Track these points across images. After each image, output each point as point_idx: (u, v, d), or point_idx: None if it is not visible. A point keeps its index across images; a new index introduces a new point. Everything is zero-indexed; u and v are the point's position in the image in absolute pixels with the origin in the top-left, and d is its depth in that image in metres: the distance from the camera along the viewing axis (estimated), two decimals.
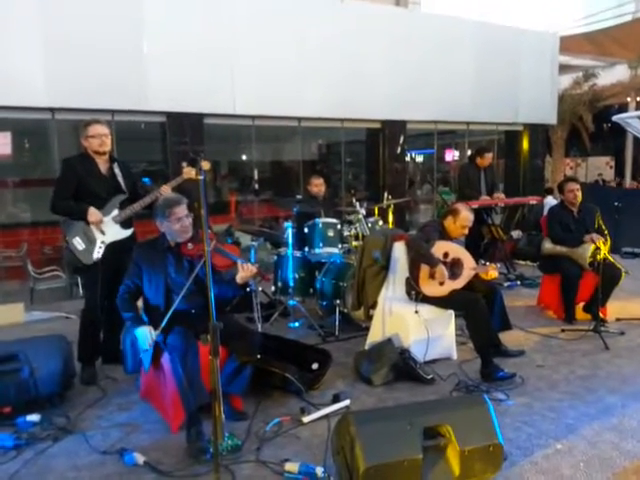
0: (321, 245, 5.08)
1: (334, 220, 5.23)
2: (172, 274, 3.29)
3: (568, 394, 3.54)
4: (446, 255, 4.06)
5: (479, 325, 3.89)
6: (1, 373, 3.27)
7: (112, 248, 3.83)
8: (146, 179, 4.44)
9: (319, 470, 2.58)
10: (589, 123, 13.82)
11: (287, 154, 11.04)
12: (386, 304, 4.27)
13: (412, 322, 3.99)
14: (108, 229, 3.83)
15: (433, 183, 10.41)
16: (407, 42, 9.01)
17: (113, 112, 6.76)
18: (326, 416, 3.22)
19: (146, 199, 3.85)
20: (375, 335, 4.29)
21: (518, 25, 10.88)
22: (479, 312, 3.89)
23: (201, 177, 2.48)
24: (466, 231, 4.26)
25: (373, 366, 3.76)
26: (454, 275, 4.05)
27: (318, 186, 5.66)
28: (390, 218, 6.43)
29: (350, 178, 10.71)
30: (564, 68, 12.55)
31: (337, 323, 4.82)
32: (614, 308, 5.16)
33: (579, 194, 5.16)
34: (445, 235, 4.21)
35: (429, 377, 3.75)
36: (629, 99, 14.46)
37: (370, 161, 9.83)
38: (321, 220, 5.14)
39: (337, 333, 4.77)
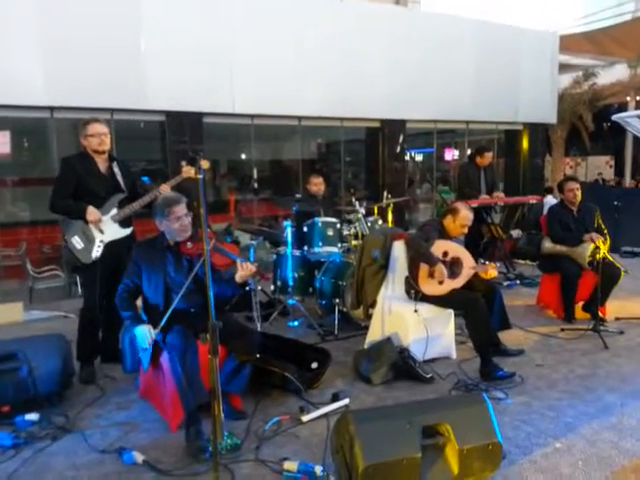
0: (320, 244, 5.07)
1: (333, 219, 5.22)
2: (171, 273, 3.29)
3: (567, 393, 3.54)
4: (445, 254, 4.06)
5: (478, 324, 3.89)
6: (0, 372, 3.26)
7: (111, 247, 3.83)
8: (145, 178, 4.44)
9: (318, 469, 2.58)
10: (589, 122, 13.83)
11: (286, 153, 11.05)
12: (385, 303, 4.27)
13: (411, 321, 3.99)
14: (107, 228, 3.82)
15: (433, 182, 10.41)
16: (407, 41, 9.01)
17: (112, 111, 6.76)
18: (325, 415, 3.22)
19: (145, 198, 3.85)
20: (374, 334, 4.28)
21: (518, 24, 10.89)
22: (478, 311, 3.89)
23: (200, 176, 2.48)
24: (465, 230, 4.26)
25: (372, 365, 3.76)
26: (453, 274, 4.04)
27: (317, 185, 5.66)
28: (389, 217, 6.42)
29: (349, 177, 10.72)
30: (564, 67, 12.56)
31: (336, 322, 4.82)
32: (613, 307, 5.16)
33: (579, 193, 5.16)
34: (444, 234, 4.21)
35: (428, 376, 3.75)
36: (629, 98, 14.47)
37: (370, 160, 9.83)
38: (320, 219, 5.14)
39: (336, 332, 4.77)
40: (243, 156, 10.57)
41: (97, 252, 3.79)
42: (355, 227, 5.58)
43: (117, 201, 3.87)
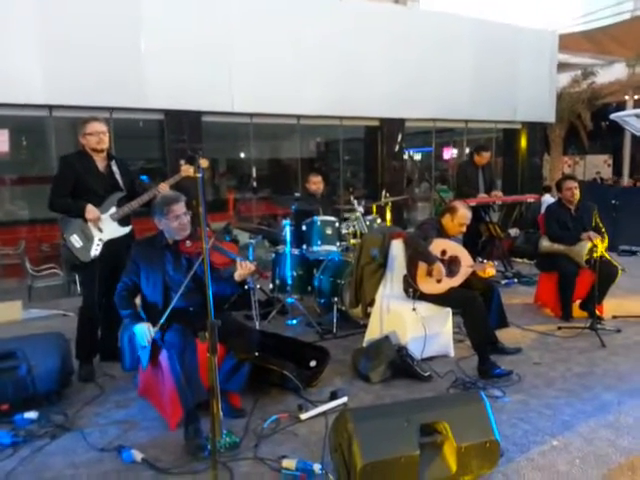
0: (319, 243, 5.08)
1: (332, 218, 5.23)
2: (170, 272, 3.29)
3: (564, 391, 3.56)
4: (444, 253, 4.07)
5: (476, 322, 3.90)
6: None
7: (110, 246, 3.83)
8: (144, 177, 4.45)
9: (316, 467, 2.59)
10: (587, 121, 13.84)
11: (285, 152, 11.05)
12: (384, 302, 4.28)
13: (409, 320, 4.00)
14: (106, 227, 3.82)
15: (431, 181, 10.42)
16: (405, 40, 9.02)
17: (111, 110, 6.76)
18: (324, 413, 3.23)
19: (144, 197, 3.85)
20: (373, 332, 4.29)
21: (517, 23, 10.91)
22: (476, 310, 3.90)
23: (199, 175, 2.49)
24: (464, 229, 4.27)
25: (371, 363, 3.77)
26: (452, 273, 4.05)
27: (317, 184, 5.67)
28: (388, 216, 6.44)
29: (348, 176, 10.72)
30: (563, 66, 12.57)
31: (335, 320, 4.83)
32: (611, 306, 5.17)
33: (577, 192, 5.17)
34: (443, 233, 4.22)
35: (426, 374, 3.76)
36: (627, 97, 14.48)
37: (368, 159, 9.84)
38: (319, 218, 5.14)
39: (335, 330, 4.78)
40: (242, 155, 10.57)
41: (96, 250, 3.79)
42: (354, 226, 5.59)
43: (116, 200, 3.87)
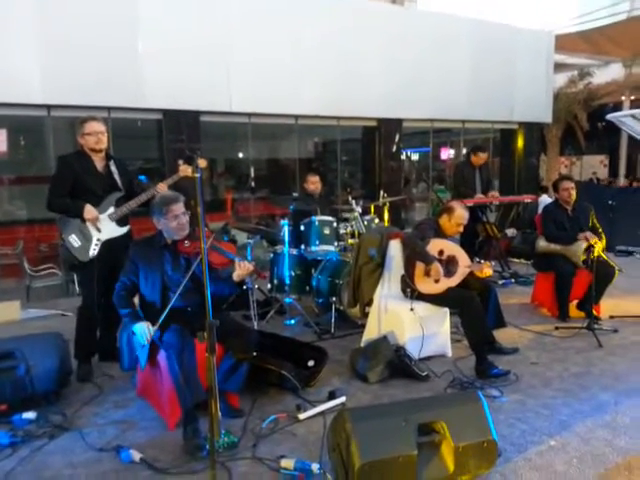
0: (317, 243, 5.09)
1: (330, 218, 5.24)
2: (169, 271, 3.30)
3: (562, 391, 3.57)
4: (441, 253, 4.08)
5: (474, 322, 3.92)
6: None
7: (108, 245, 3.83)
8: (142, 177, 4.44)
9: (315, 467, 2.59)
10: (584, 122, 13.87)
11: (283, 152, 11.05)
12: (382, 302, 4.29)
13: (407, 319, 4.01)
14: (104, 226, 3.82)
15: (429, 181, 10.43)
16: (403, 40, 9.03)
17: (109, 109, 6.75)
18: (322, 413, 3.23)
19: (142, 196, 3.85)
20: (371, 332, 4.30)
21: (514, 23, 10.93)
22: (474, 310, 3.91)
23: (197, 175, 2.49)
24: (461, 229, 4.29)
25: (369, 363, 3.78)
26: (449, 273, 4.07)
27: (315, 184, 5.68)
28: (386, 216, 6.46)
29: (346, 176, 10.73)
30: (559, 67, 12.61)
31: (333, 320, 4.83)
32: (608, 306, 5.19)
33: (573, 192, 5.18)
34: (440, 233, 4.23)
35: (424, 374, 3.77)
36: (623, 98, 14.54)
37: (366, 159, 9.85)
38: (317, 218, 5.15)
39: (333, 330, 4.79)
40: (240, 155, 10.58)
41: (94, 250, 3.79)
42: (352, 226, 5.61)
43: (114, 199, 3.87)
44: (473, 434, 2.48)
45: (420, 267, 4.03)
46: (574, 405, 3.36)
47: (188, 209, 3.34)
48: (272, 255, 5.36)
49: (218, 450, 2.75)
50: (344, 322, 4.95)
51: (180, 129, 7.28)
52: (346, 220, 5.70)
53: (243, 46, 7.54)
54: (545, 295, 5.36)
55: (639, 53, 13.32)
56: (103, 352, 4.11)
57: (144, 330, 3.05)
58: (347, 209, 5.81)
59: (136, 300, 3.37)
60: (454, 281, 4.07)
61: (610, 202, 8.36)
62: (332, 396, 3.42)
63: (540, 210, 6.70)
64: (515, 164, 11.34)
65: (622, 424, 3.12)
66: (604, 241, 4.98)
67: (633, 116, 5.76)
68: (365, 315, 4.48)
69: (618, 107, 14.15)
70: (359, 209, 5.66)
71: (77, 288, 5.88)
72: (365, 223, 5.68)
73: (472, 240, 6.88)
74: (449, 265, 4.09)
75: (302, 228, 5.16)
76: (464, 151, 10.77)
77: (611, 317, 5.07)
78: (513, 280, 6.67)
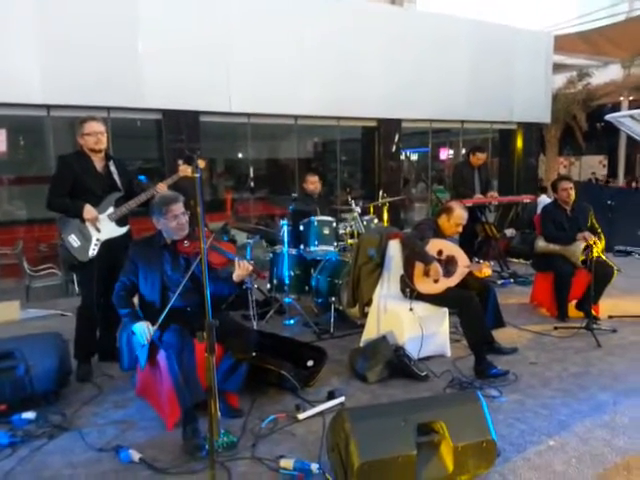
0: (316, 243, 5.10)
1: (329, 218, 5.24)
2: (168, 271, 3.30)
3: (560, 391, 3.58)
4: (440, 253, 4.09)
5: (473, 322, 3.92)
6: None
7: (107, 246, 3.83)
8: (142, 177, 4.44)
9: (314, 466, 2.60)
10: (583, 122, 13.87)
11: (283, 152, 11.06)
12: (381, 302, 4.30)
13: (406, 319, 4.01)
14: (104, 227, 3.83)
15: (428, 181, 10.44)
16: (402, 41, 9.04)
17: (109, 109, 6.75)
18: (321, 413, 3.24)
19: (142, 196, 3.85)
20: (370, 332, 4.31)
21: (513, 24, 10.93)
22: (473, 309, 3.92)
23: (197, 175, 2.49)
24: (460, 229, 4.29)
25: (368, 363, 3.79)
26: (448, 273, 4.07)
27: (314, 184, 5.69)
28: (385, 216, 6.47)
29: (345, 176, 10.74)
30: (558, 67, 12.61)
31: (332, 320, 4.84)
32: (606, 306, 5.19)
33: (572, 193, 5.19)
34: (439, 233, 4.23)
35: (423, 374, 3.77)
36: (622, 98, 14.54)
37: (365, 159, 9.86)
38: (317, 218, 5.16)
39: (332, 330, 4.79)
40: (240, 155, 10.59)
41: (94, 250, 3.79)
42: (351, 226, 5.62)
43: (114, 200, 3.88)
44: (472, 434, 2.48)
45: (419, 267, 4.04)
46: (573, 405, 3.37)
47: (188, 209, 3.35)
48: (271, 255, 5.37)
49: (217, 450, 2.76)
50: (343, 322, 4.95)
51: (180, 129, 7.28)
52: (345, 220, 5.71)
53: (243, 46, 7.55)
54: (544, 295, 5.37)
55: (638, 54, 13.34)
56: (103, 352, 4.11)
57: (144, 330, 3.05)
58: (346, 209, 5.82)
59: (135, 300, 3.38)
60: (453, 281, 4.07)
61: (609, 202, 8.37)
62: (331, 396, 3.43)
63: (539, 210, 6.71)
64: (514, 164, 11.35)
65: (621, 424, 3.12)
66: (603, 241, 4.99)
67: (632, 116, 5.76)
68: (364, 315, 4.49)
69: (617, 108, 14.16)
70: (358, 209, 5.67)
71: (77, 288, 5.88)
72: (364, 223, 5.69)
73: (471, 240, 6.89)
74: (448, 265, 4.09)
75: (301, 228, 5.17)
76: (463, 151, 10.78)
77: (610, 317, 5.07)
78: (512, 280, 6.68)
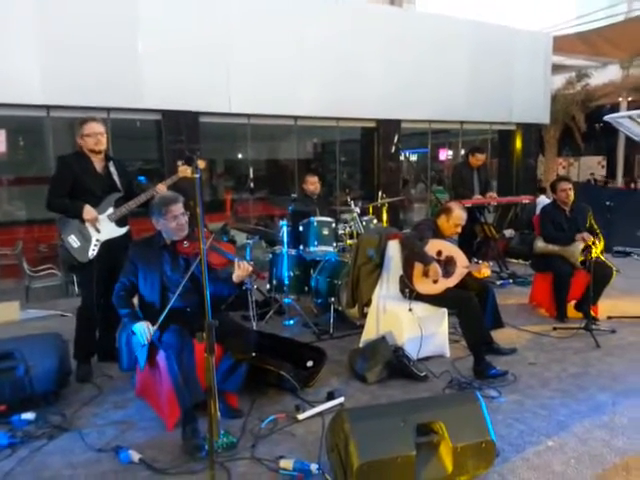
0: (316, 243, 5.10)
1: (329, 219, 5.25)
2: (168, 272, 3.30)
3: (559, 392, 3.58)
4: (439, 253, 4.09)
5: (472, 323, 3.93)
6: None
7: (107, 246, 3.84)
8: (142, 177, 4.45)
9: (313, 467, 2.61)
10: (581, 123, 13.87)
11: (282, 153, 11.06)
12: (380, 302, 4.30)
13: (406, 320, 4.02)
14: (103, 227, 3.83)
15: (427, 182, 10.45)
16: (402, 41, 9.04)
17: (109, 110, 6.75)
18: (320, 413, 3.24)
19: (141, 197, 3.86)
20: (369, 333, 4.32)
21: (512, 25, 10.93)
22: (472, 310, 3.92)
23: (197, 175, 2.50)
24: (459, 229, 4.30)
25: (367, 364, 3.79)
26: (447, 273, 4.08)
27: (314, 184, 5.71)
28: (384, 217, 6.47)
29: (345, 177, 10.74)
30: (557, 68, 12.61)
31: (332, 321, 4.85)
32: (605, 306, 5.20)
33: (571, 193, 5.20)
34: (438, 233, 4.24)
35: (422, 374, 3.78)
36: (621, 99, 14.54)
37: (365, 160, 9.86)
38: (316, 219, 5.17)
39: (332, 331, 4.80)
40: (239, 156, 10.59)
41: (93, 251, 3.79)
42: (350, 226, 5.63)
43: (113, 200, 3.88)
44: (471, 434, 2.49)
45: (418, 268, 4.04)
46: (572, 405, 3.37)
47: (187, 210, 3.35)
48: (271, 256, 5.38)
49: (217, 450, 2.76)
50: (343, 322, 4.96)
51: (179, 130, 7.28)
52: (345, 221, 5.71)
53: (243, 47, 7.55)
54: (543, 296, 5.38)
55: (636, 54, 13.35)
56: (102, 352, 4.12)
57: (144, 330, 3.06)
58: (346, 210, 5.82)
59: (135, 301, 3.38)
60: (452, 281, 4.08)
61: (608, 203, 8.37)
62: (331, 396, 3.43)
63: (538, 211, 6.72)
64: (513, 165, 11.35)
65: (620, 424, 3.13)
66: (602, 242, 5.00)
67: (630, 117, 5.76)
68: (364, 315, 4.50)
69: (615, 108, 14.14)
70: (358, 210, 5.68)
71: (76, 289, 5.89)
72: (364, 224, 5.69)
73: (470, 241, 6.90)
74: (447, 266, 4.10)
75: (301, 229, 5.18)
76: (462, 152, 10.78)
77: (609, 318, 5.08)
78: (511, 280, 6.69)
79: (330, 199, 7.40)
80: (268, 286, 5.36)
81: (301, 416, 3.21)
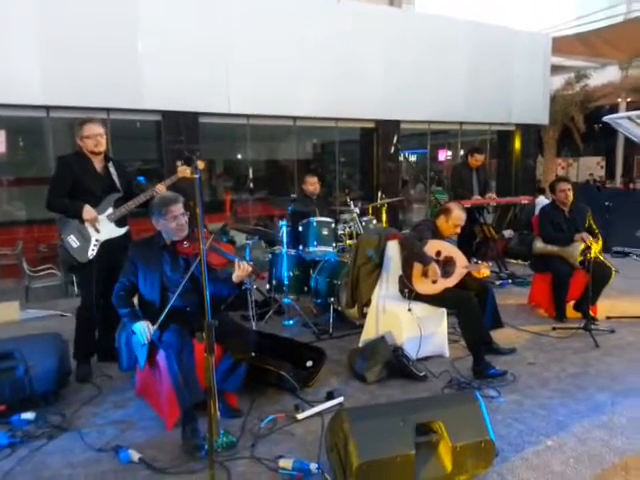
0: (315, 244, 5.11)
1: (328, 219, 5.26)
2: (168, 272, 3.31)
3: (559, 391, 3.59)
4: (439, 254, 4.10)
5: (471, 323, 3.94)
6: None
7: (107, 246, 3.84)
8: (141, 178, 4.45)
9: (313, 466, 2.61)
10: (580, 123, 13.91)
11: (282, 153, 11.06)
12: (380, 302, 4.31)
13: (405, 320, 4.02)
14: (103, 227, 3.84)
15: (426, 182, 10.46)
16: (401, 42, 9.05)
17: (108, 110, 6.76)
18: (320, 413, 3.25)
19: (140, 197, 3.86)
20: (369, 333, 4.32)
21: (511, 26, 10.95)
22: (471, 310, 3.93)
23: (196, 176, 2.50)
24: (458, 230, 4.30)
25: (367, 363, 3.80)
26: (446, 273, 4.08)
27: (313, 184, 5.71)
28: (384, 217, 6.48)
29: (344, 177, 10.75)
30: (556, 69, 12.63)
31: (331, 321, 4.85)
32: (604, 306, 5.22)
33: (570, 194, 5.21)
34: (438, 234, 4.25)
35: (422, 374, 3.79)
36: (620, 100, 14.58)
37: (364, 160, 9.87)
38: (315, 219, 5.17)
39: (331, 331, 4.80)
40: (239, 156, 10.60)
41: (93, 251, 3.80)
42: (350, 227, 5.63)
43: (113, 200, 3.89)
44: (471, 434, 2.49)
45: (418, 268, 4.05)
46: (571, 405, 3.38)
47: (187, 210, 3.35)
48: (270, 256, 5.38)
49: (217, 450, 2.76)
50: (342, 322, 4.96)
51: (179, 130, 7.28)
52: (344, 221, 5.72)
53: (242, 47, 7.56)
54: (542, 296, 5.39)
55: (635, 55, 13.38)
56: (102, 352, 4.12)
57: (144, 329, 3.06)
58: (345, 210, 5.83)
59: (135, 300, 3.38)
60: (451, 282, 4.09)
61: (606, 203, 8.39)
62: (330, 396, 3.44)
63: (537, 211, 6.73)
64: (512, 166, 11.36)
65: (619, 424, 3.14)
66: (601, 242, 5.01)
67: (629, 118, 5.77)
68: (363, 315, 4.51)
69: (614, 109, 14.18)
70: (357, 210, 5.68)
71: (76, 289, 5.89)
72: (363, 224, 5.70)
73: (469, 241, 6.91)
74: (446, 266, 4.11)
75: (300, 229, 5.18)
76: (461, 153, 10.80)
77: (608, 318, 5.09)
78: (510, 281, 6.70)
79: (329, 199, 7.40)
80: (268, 286, 5.36)
81: (300, 416, 3.21)
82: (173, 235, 3.29)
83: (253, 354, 3.32)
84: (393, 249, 4.37)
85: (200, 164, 2.66)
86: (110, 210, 3.87)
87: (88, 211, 3.75)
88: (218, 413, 2.49)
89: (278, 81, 7.88)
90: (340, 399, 3.43)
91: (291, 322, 5.15)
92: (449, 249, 4.17)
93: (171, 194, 3.44)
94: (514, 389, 3.62)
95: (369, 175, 9.60)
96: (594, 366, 4.02)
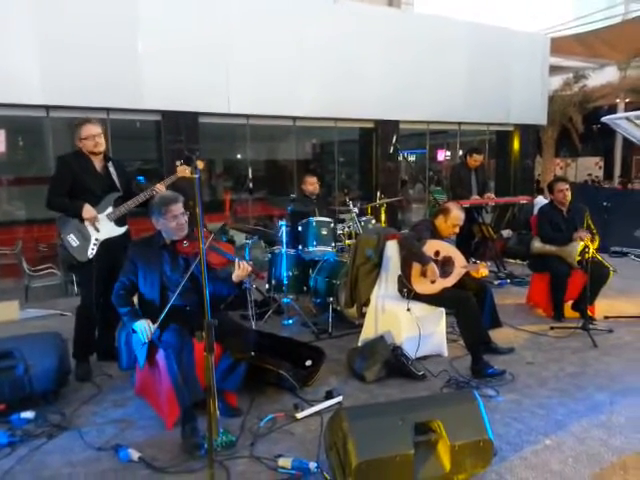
0: (315, 243, 5.11)
1: (328, 219, 5.26)
2: (167, 272, 3.31)
3: (557, 391, 3.60)
4: (437, 254, 4.11)
5: (470, 322, 3.95)
6: None
7: (106, 246, 3.85)
8: (141, 177, 4.46)
9: (312, 465, 2.62)
10: (579, 124, 13.92)
11: (281, 153, 11.06)
12: (379, 302, 4.32)
13: (404, 319, 4.03)
14: (102, 226, 3.84)
15: (425, 182, 10.47)
16: (400, 43, 9.06)
17: (108, 110, 6.76)
18: (319, 412, 3.26)
19: (140, 197, 3.87)
20: (368, 332, 4.33)
21: (510, 26, 10.96)
22: (470, 310, 3.94)
23: (196, 175, 2.51)
24: (457, 230, 4.32)
25: (366, 363, 3.80)
26: (445, 273, 4.09)
27: (313, 184, 5.72)
28: (383, 217, 6.49)
29: (343, 177, 10.76)
30: (555, 69, 12.65)
31: (330, 320, 4.86)
32: (602, 306, 5.23)
33: (568, 194, 5.23)
34: (436, 234, 4.26)
35: (420, 373, 3.80)
36: (618, 100, 14.60)
37: (363, 160, 9.88)
38: (315, 219, 5.18)
39: (330, 330, 4.81)
40: (238, 156, 10.60)
41: (92, 250, 3.80)
42: (349, 227, 5.64)
43: (113, 200, 3.89)
44: (469, 433, 2.50)
45: (416, 268, 4.06)
46: (570, 405, 3.39)
47: (187, 209, 3.36)
48: (270, 256, 5.39)
49: (216, 449, 2.77)
50: (341, 322, 4.97)
51: (179, 130, 7.29)
52: (343, 221, 5.73)
53: (242, 47, 7.56)
54: (540, 295, 5.40)
55: (634, 56, 13.40)
56: (102, 351, 4.13)
57: (144, 327, 3.06)
58: (344, 210, 5.84)
59: (135, 299, 3.39)
60: (450, 281, 4.10)
61: (605, 203, 8.41)
62: (329, 395, 3.45)
63: (535, 211, 6.74)
64: (511, 166, 11.38)
65: (617, 424, 3.15)
66: (597, 242, 5.02)
67: (628, 118, 5.79)
68: (362, 315, 4.51)
69: (613, 110, 14.20)
70: (356, 210, 5.69)
71: (76, 288, 5.89)
72: (362, 224, 5.71)
73: (468, 241, 6.92)
74: (445, 266, 4.12)
75: (300, 229, 5.19)
76: (460, 153, 10.81)
77: (606, 317, 5.11)
78: (508, 281, 6.71)
79: (329, 199, 7.41)
80: (267, 286, 5.36)
81: (300, 415, 3.22)
82: (173, 234, 3.30)
83: (252, 353, 3.32)
84: (392, 249, 4.38)
85: (200, 164, 2.67)
86: (110, 209, 3.88)
87: (88, 210, 3.75)
88: (217, 412, 2.49)
89: (278, 81, 7.88)
90: (339, 398, 3.44)
91: (290, 322, 5.15)
92: (448, 249, 4.18)
93: (171, 194, 3.45)
94: (513, 388, 3.63)
95: (368, 175, 9.61)
96: (592, 366, 4.03)
